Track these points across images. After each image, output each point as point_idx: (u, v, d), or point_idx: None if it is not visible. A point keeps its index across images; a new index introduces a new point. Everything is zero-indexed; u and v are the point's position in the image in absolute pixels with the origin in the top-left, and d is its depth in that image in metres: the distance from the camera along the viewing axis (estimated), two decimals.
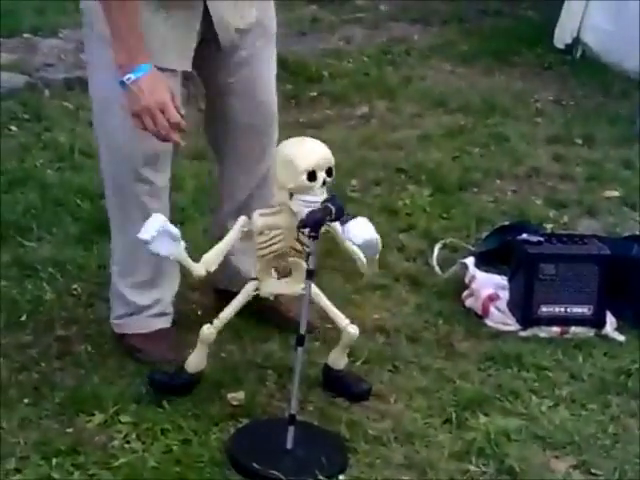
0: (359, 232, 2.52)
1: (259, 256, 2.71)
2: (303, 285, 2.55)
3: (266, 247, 2.69)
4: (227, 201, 3.07)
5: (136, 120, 2.58)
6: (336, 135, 4.50)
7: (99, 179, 3.88)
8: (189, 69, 2.78)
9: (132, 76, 2.53)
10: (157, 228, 2.51)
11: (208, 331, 2.72)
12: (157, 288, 2.96)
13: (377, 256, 2.62)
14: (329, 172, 2.61)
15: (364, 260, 2.66)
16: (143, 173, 2.79)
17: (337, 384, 2.84)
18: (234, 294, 2.79)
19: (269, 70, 2.98)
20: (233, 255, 2.93)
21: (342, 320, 2.79)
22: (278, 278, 2.86)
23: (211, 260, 2.67)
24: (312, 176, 2.57)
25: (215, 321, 2.73)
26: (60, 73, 5.01)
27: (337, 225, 2.57)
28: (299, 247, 2.63)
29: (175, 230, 2.56)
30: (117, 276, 2.97)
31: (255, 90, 2.92)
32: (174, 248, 2.56)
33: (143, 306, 2.95)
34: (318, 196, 2.54)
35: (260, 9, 2.86)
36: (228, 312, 2.75)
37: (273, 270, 2.83)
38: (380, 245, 2.58)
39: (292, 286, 2.74)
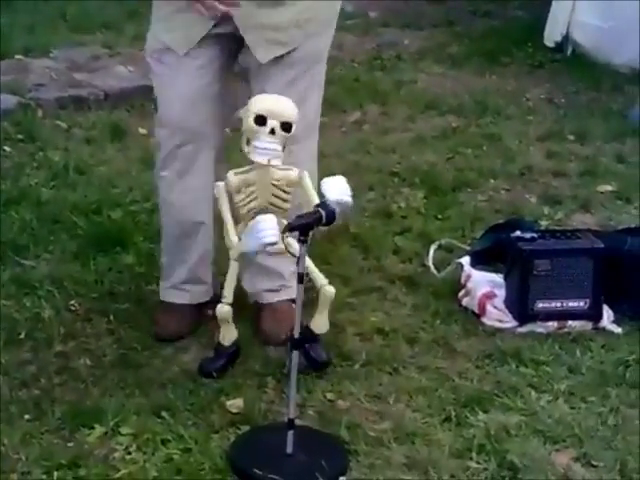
0: (334, 190, 2.53)
1: (240, 215, 2.76)
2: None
3: (245, 205, 2.73)
4: None
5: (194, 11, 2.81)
6: (329, 141, 4.51)
7: (93, 195, 3.96)
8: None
9: None
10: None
11: (224, 309, 2.80)
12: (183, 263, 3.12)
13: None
14: (287, 127, 2.64)
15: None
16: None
17: (305, 346, 2.83)
18: None
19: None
20: None
21: (320, 279, 2.82)
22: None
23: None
24: (260, 121, 2.62)
25: (223, 299, 2.80)
26: (52, 93, 5.03)
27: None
28: (279, 203, 2.70)
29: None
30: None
31: None
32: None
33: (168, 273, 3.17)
34: (265, 143, 2.61)
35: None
36: (229, 283, 2.80)
37: None
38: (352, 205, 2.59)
39: None
